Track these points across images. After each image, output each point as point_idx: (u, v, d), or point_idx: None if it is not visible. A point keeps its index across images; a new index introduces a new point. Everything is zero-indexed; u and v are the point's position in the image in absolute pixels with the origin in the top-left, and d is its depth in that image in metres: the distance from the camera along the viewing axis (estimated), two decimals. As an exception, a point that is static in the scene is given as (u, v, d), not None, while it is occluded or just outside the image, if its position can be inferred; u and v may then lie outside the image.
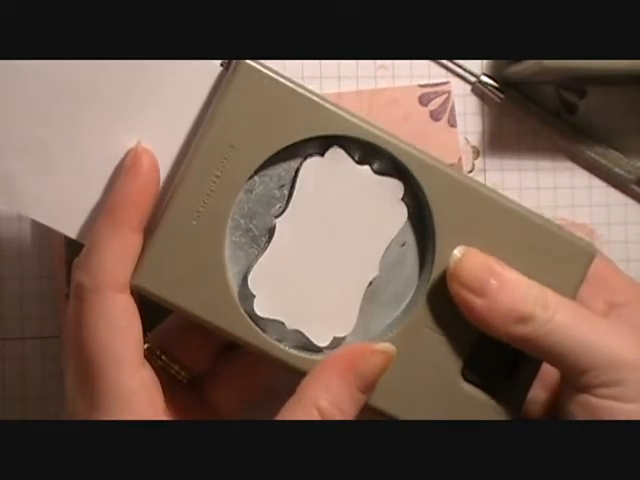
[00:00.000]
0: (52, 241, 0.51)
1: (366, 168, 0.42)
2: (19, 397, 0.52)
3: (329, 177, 0.42)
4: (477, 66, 0.56)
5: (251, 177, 0.41)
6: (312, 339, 0.42)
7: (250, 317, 0.42)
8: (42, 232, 0.52)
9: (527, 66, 0.52)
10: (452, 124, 0.55)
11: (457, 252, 0.42)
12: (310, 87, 0.42)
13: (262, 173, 0.41)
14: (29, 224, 0.52)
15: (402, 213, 0.43)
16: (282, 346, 0.42)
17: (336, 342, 0.42)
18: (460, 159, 0.55)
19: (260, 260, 0.42)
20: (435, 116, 0.55)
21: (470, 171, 0.57)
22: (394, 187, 0.42)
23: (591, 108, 0.58)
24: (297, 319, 0.42)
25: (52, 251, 0.51)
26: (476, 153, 0.57)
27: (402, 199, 0.42)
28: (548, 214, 0.57)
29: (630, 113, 0.58)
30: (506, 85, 0.56)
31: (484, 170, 0.57)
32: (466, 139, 0.57)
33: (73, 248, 0.51)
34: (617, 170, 0.57)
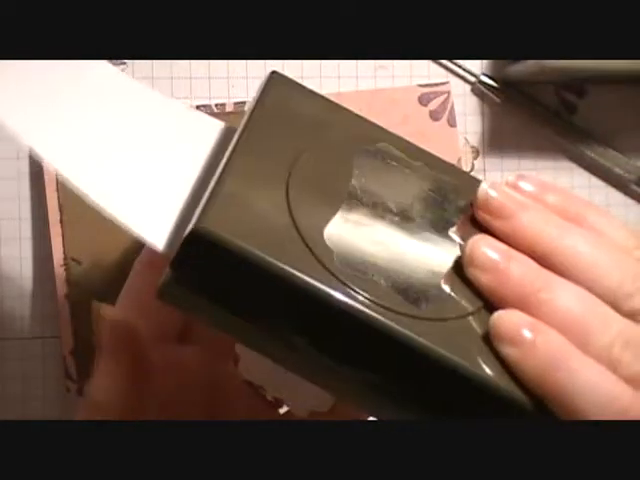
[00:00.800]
0: (52, 241, 0.51)
1: None
2: (19, 397, 0.52)
3: None
4: (477, 66, 0.56)
5: None
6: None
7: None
8: (42, 232, 0.52)
9: (527, 66, 0.52)
10: (452, 124, 0.55)
11: None
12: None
13: None
14: (29, 224, 0.52)
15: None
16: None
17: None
18: (460, 159, 0.55)
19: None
20: (435, 116, 0.55)
21: (470, 171, 0.57)
22: None
23: (591, 108, 0.58)
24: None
25: (52, 251, 0.51)
26: (476, 153, 0.57)
27: None
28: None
29: (630, 113, 0.58)
30: (506, 85, 0.56)
31: (484, 170, 0.57)
32: (466, 139, 0.57)
33: (73, 248, 0.51)
34: (617, 170, 0.57)
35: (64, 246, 0.51)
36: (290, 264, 0.35)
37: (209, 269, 0.36)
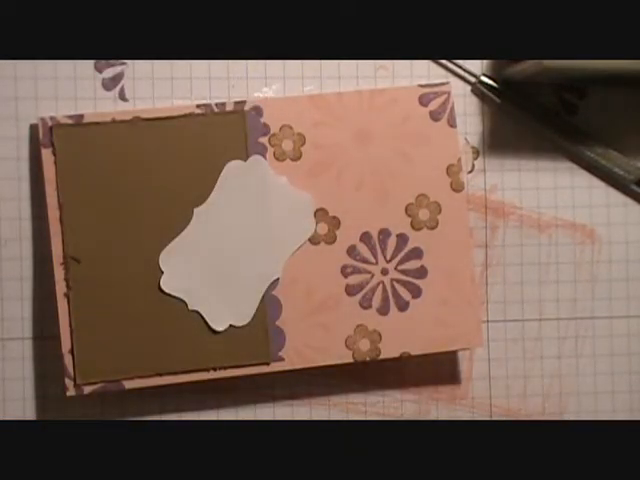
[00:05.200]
0: (51, 239, 0.51)
1: (283, 178, 0.47)
2: (19, 397, 0.51)
3: (248, 181, 0.47)
4: (477, 66, 0.56)
5: None
6: (210, 322, 0.47)
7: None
8: (42, 232, 0.52)
9: (527, 66, 0.52)
10: (452, 124, 0.55)
11: None
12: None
13: None
14: (29, 225, 0.52)
15: (311, 226, 0.48)
16: None
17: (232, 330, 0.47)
18: (460, 160, 0.55)
19: (173, 242, 0.47)
20: (435, 116, 0.55)
21: (470, 171, 0.57)
22: (307, 201, 0.48)
23: (591, 108, 0.58)
24: (199, 301, 0.47)
25: (52, 251, 0.51)
26: (476, 153, 0.57)
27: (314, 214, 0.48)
28: (548, 214, 0.57)
29: (630, 113, 0.58)
30: (506, 85, 0.56)
31: (484, 170, 0.57)
32: (466, 139, 0.57)
33: (73, 248, 0.51)
34: (617, 170, 0.57)
35: (63, 244, 0.51)
36: None
37: None
